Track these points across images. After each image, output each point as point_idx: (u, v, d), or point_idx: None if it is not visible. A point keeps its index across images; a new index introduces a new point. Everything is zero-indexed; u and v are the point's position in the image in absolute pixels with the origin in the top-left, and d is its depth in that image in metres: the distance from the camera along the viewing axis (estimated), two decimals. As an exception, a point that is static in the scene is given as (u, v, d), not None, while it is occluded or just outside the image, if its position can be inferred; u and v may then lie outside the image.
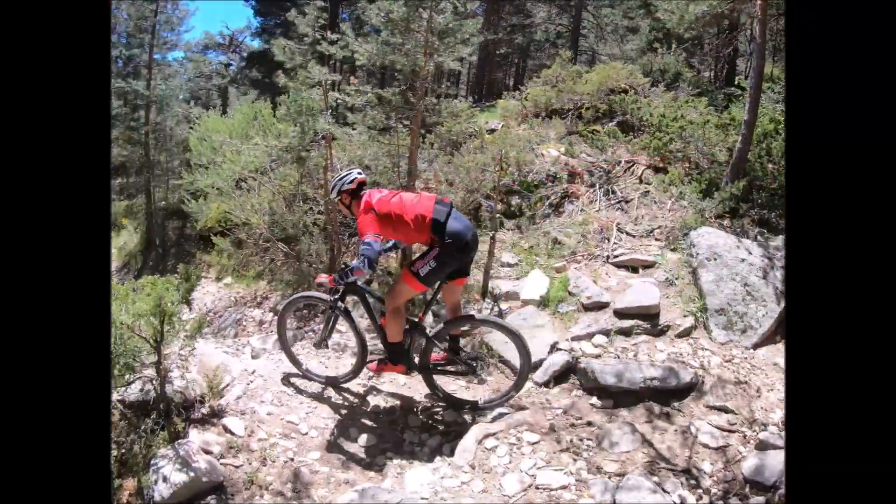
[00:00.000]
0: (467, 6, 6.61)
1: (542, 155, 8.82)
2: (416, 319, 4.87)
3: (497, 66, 24.71)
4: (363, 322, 5.50)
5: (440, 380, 5.13)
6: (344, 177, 4.64)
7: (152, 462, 3.97)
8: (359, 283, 4.83)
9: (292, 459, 4.42)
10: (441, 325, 4.93)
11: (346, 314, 4.98)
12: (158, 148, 11.97)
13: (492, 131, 10.92)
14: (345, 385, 5.35)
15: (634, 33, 21.32)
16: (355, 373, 5.21)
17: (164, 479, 3.82)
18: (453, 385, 5.34)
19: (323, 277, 4.76)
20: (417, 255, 4.75)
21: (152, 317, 4.09)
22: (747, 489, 3.98)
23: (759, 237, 6.62)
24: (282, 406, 5.02)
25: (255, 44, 17.35)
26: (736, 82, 11.63)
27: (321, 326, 5.41)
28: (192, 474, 3.85)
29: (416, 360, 4.97)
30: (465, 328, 5.51)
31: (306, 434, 4.72)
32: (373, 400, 5.26)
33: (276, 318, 6.81)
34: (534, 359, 5.24)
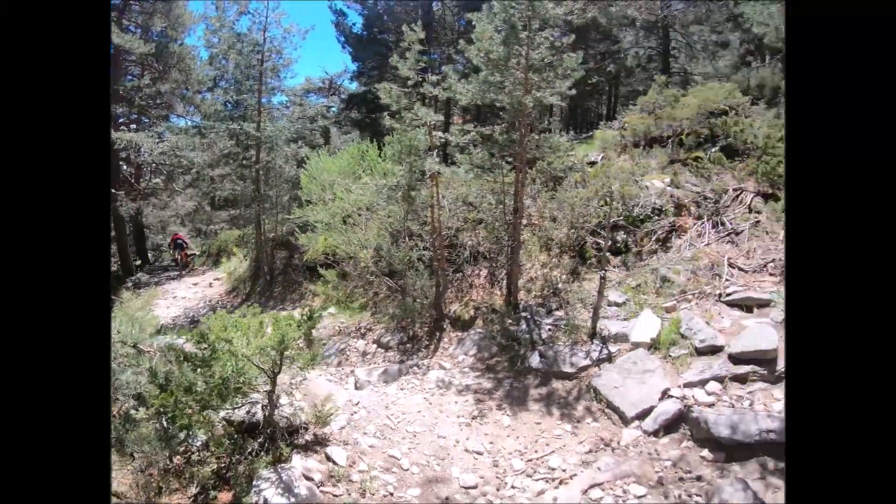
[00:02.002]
0: (563, 40, 6.55)
1: (646, 187, 8.48)
2: None
3: (588, 95, 24.34)
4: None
5: None
6: None
7: (255, 483, 4.11)
8: None
9: (392, 494, 4.42)
10: None
11: None
12: (269, 184, 12.75)
13: (592, 164, 10.71)
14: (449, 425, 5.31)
15: (725, 48, 20.39)
16: None
17: (265, 502, 3.94)
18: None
19: None
20: None
21: (273, 350, 4.29)
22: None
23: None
24: (384, 439, 5.07)
25: (353, 86, 18.28)
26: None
27: None
28: (292, 500, 3.95)
29: None
30: None
31: (407, 470, 4.73)
32: (475, 440, 5.19)
33: (379, 349, 6.88)
34: (644, 406, 5.09)
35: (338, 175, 8.71)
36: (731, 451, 4.50)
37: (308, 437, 4.82)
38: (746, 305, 6.10)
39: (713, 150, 9.58)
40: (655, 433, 4.89)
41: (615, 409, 5.26)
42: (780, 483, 4.19)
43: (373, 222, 8.55)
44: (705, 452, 4.57)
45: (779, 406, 4.79)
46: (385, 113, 7.50)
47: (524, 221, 8.02)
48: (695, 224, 7.76)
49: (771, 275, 6.47)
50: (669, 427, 4.90)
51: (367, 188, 7.92)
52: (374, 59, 16.03)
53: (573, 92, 6.77)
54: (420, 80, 7.03)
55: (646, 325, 6.03)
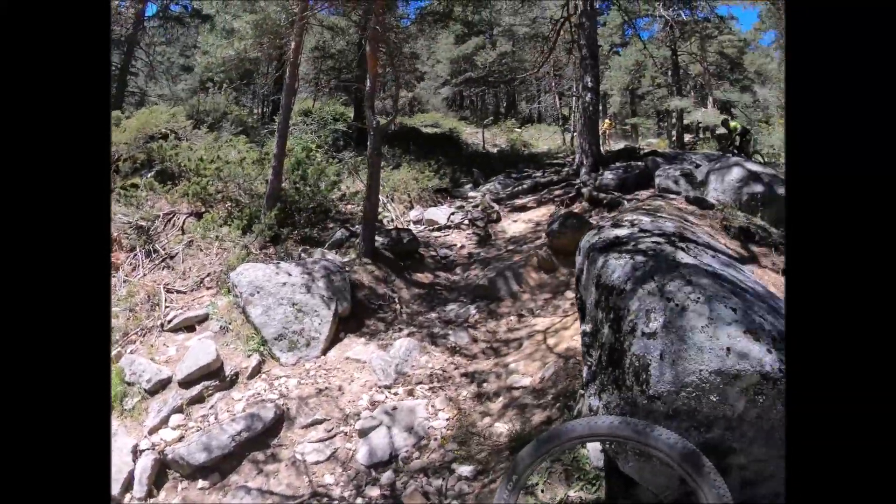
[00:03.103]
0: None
1: (64, 230, 7.46)
2: None
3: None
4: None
5: None
6: None
7: None
8: None
9: None
10: None
11: None
12: None
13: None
14: None
15: (189, 72, 20.76)
16: None
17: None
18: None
19: None
20: None
21: None
22: (373, 473, 4.21)
23: (302, 255, 7.03)
24: None
25: None
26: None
27: None
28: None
29: None
30: None
31: None
32: None
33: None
34: (123, 475, 4.49)
35: None
36: (220, 466, 4.49)
37: None
38: (188, 326, 6.10)
39: (149, 175, 9.35)
40: (150, 495, 4.43)
41: (98, 498, 4.46)
42: (276, 467, 4.42)
43: None
44: (201, 482, 4.43)
45: (240, 406, 5.01)
46: None
47: None
48: (128, 257, 7.34)
49: (208, 288, 6.70)
50: (158, 480, 4.52)
51: None
52: None
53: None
54: None
55: (86, 391, 5.29)
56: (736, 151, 12.06)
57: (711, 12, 18.19)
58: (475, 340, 6.00)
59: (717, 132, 13.53)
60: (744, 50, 29.33)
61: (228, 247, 7.15)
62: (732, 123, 12.68)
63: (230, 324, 5.95)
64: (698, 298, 2.60)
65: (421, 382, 5.26)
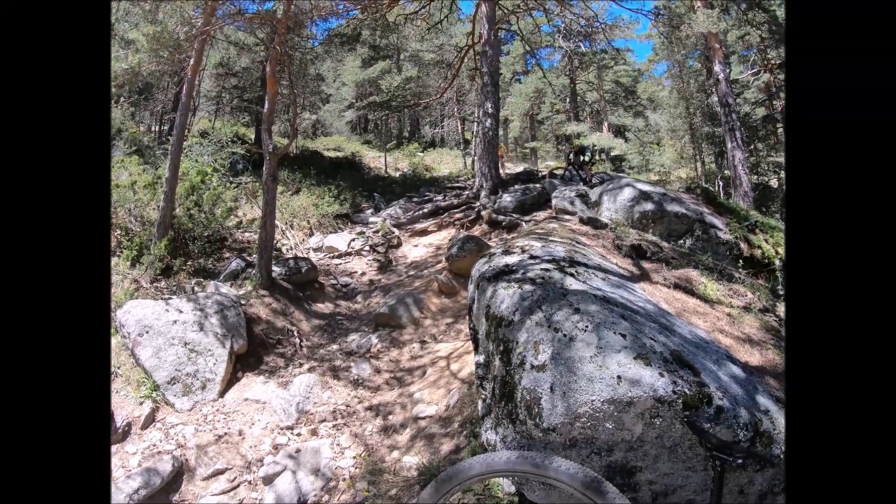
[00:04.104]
0: None
1: None
2: None
3: None
4: None
5: None
6: None
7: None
8: None
9: None
10: None
11: None
12: None
13: None
14: None
15: None
16: None
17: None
18: None
19: None
20: None
21: None
22: (281, 520, 3.91)
23: (194, 289, 6.63)
24: None
25: None
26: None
27: None
28: None
29: None
30: None
31: None
32: None
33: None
34: None
35: None
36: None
37: None
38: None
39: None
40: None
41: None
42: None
43: None
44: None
45: (135, 460, 4.57)
46: None
47: None
48: None
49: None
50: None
51: None
52: None
53: None
54: None
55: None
56: (571, 170, 12.62)
57: (609, 45, 19.47)
58: (378, 371, 5.91)
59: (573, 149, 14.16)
60: (638, 79, 31.74)
61: (117, 280, 6.62)
62: (575, 141, 13.21)
63: (119, 368, 5.48)
64: (586, 327, 2.64)
65: (324, 420, 5.10)
